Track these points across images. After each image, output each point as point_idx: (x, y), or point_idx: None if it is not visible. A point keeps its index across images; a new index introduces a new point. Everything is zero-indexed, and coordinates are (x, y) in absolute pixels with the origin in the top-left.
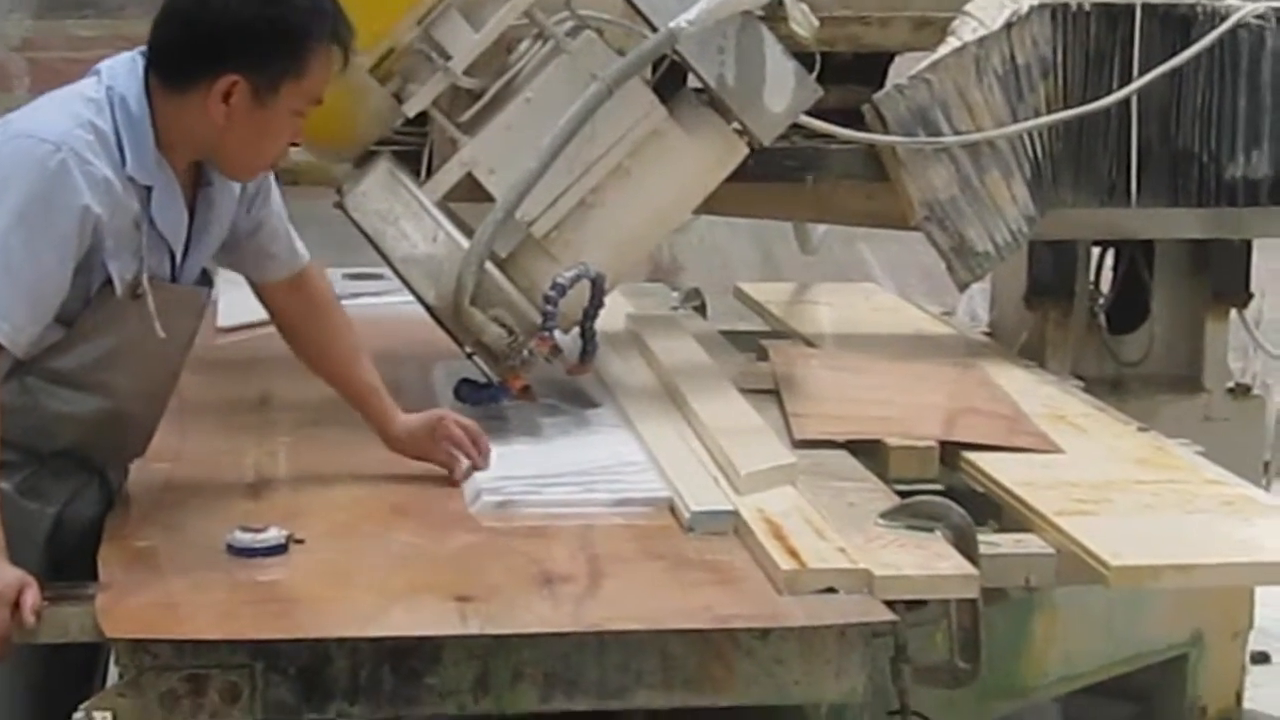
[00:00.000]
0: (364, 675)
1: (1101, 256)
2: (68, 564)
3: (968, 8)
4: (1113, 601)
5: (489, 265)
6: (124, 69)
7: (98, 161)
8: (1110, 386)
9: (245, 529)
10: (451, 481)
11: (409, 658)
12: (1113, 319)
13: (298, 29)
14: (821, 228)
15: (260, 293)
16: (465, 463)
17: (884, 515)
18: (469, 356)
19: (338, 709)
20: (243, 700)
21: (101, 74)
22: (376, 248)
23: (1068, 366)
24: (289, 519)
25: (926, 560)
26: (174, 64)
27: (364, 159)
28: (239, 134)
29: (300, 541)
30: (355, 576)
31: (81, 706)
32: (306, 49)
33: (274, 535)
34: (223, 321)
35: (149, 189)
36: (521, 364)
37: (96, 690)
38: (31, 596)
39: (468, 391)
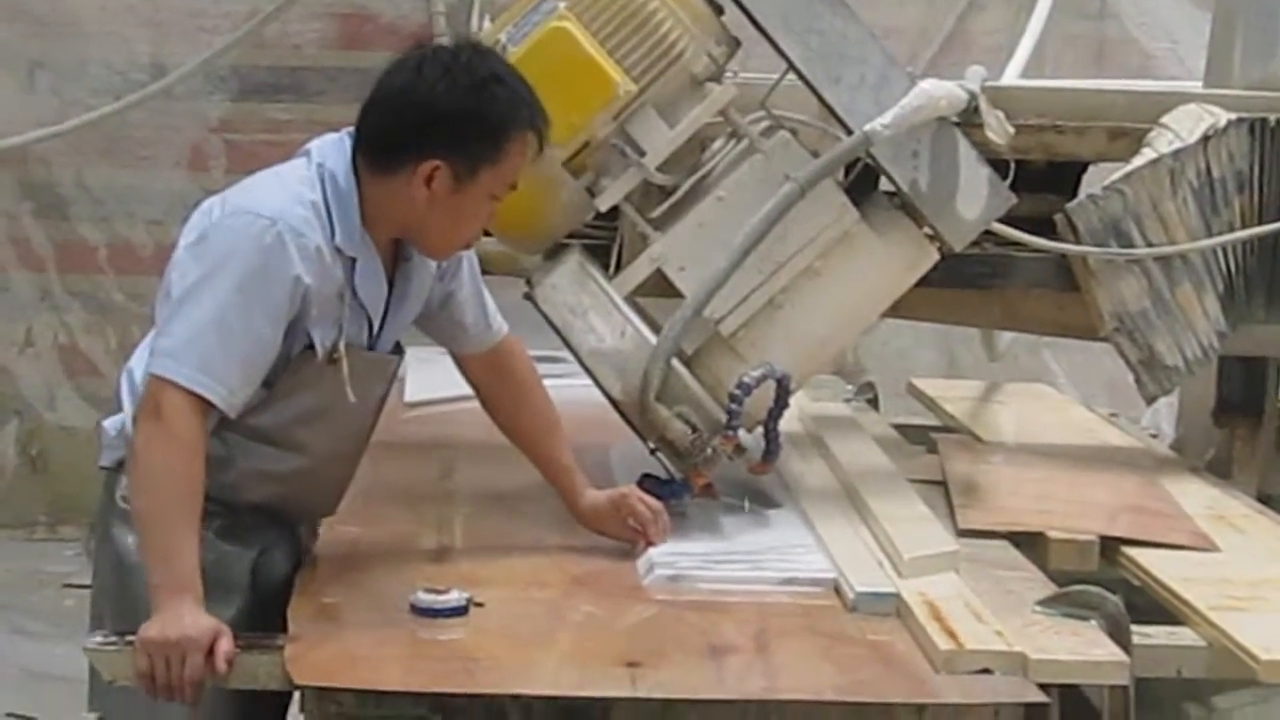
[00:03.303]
0: None
1: None
2: (261, 612)
3: (1164, 120)
4: None
5: (675, 362)
6: (333, 148)
7: (310, 234)
8: None
9: (428, 590)
10: (630, 556)
11: (579, 717)
12: None
13: (499, 118)
14: (1008, 335)
15: (459, 364)
16: (643, 543)
17: (1041, 602)
18: (652, 453)
19: None
20: None
21: (311, 153)
22: (564, 340)
23: (1255, 485)
24: (469, 584)
25: (1080, 646)
26: (380, 147)
27: (554, 251)
28: (438, 215)
29: (480, 605)
30: (531, 639)
31: None
32: (506, 137)
33: (455, 597)
34: (410, 397)
35: (353, 261)
36: (705, 462)
37: None
38: (225, 644)
39: (651, 486)
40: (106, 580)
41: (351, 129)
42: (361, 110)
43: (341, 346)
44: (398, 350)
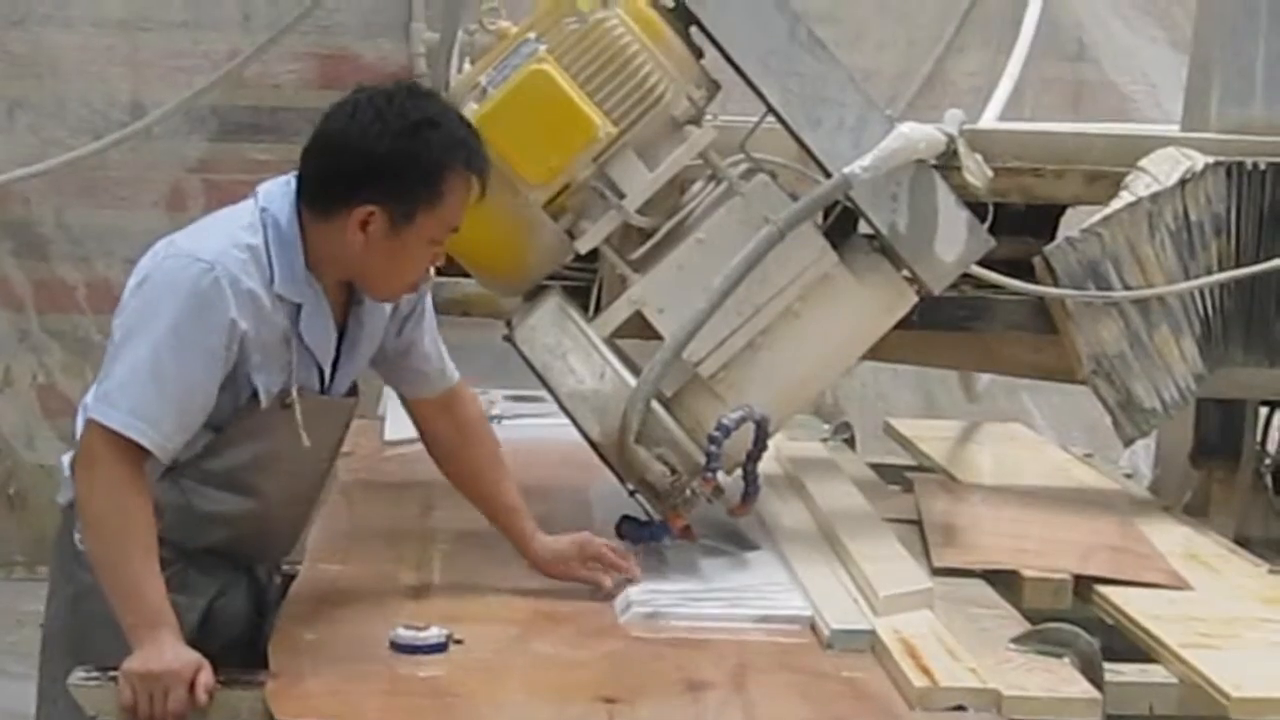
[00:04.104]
0: None
1: (1269, 417)
2: (217, 658)
3: (1142, 163)
4: None
5: (655, 404)
6: (278, 191)
7: (247, 279)
8: (1276, 549)
9: (408, 627)
10: (602, 596)
11: None
12: (1279, 481)
13: (433, 163)
14: (986, 377)
15: (410, 408)
16: (609, 580)
17: (1015, 640)
18: (631, 494)
19: None
20: None
21: (258, 195)
22: (544, 381)
23: (1233, 526)
24: (449, 621)
25: (1053, 683)
26: (318, 191)
27: (534, 293)
28: (377, 259)
29: (459, 641)
30: (510, 675)
31: None
32: (442, 181)
33: (435, 634)
34: (389, 436)
35: (299, 306)
36: (684, 503)
37: None
38: (205, 678)
39: (629, 529)
40: (61, 614)
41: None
42: (301, 155)
43: (294, 391)
44: (352, 392)
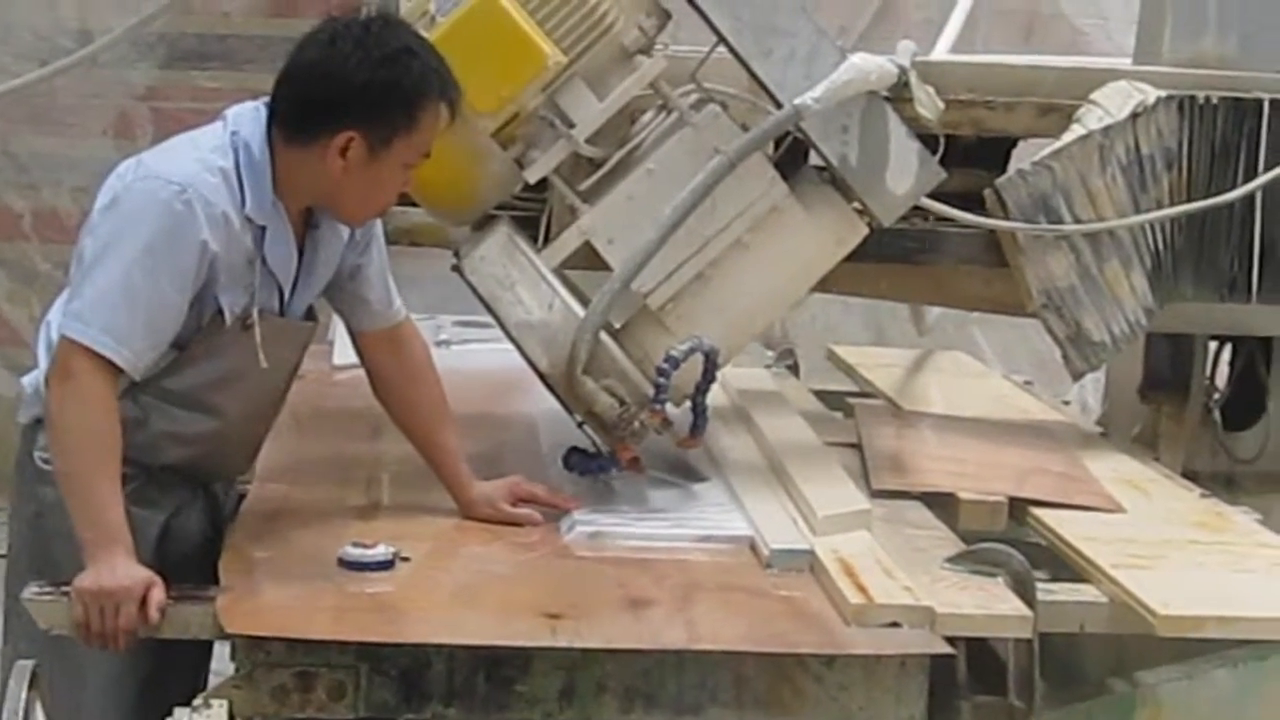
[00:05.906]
0: (459, 680)
1: (1218, 351)
2: (174, 572)
3: (1094, 96)
4: (1219, 699)
5: (603, 335)
6: (248, 116)
7: (218, 201)
8: (1224, 483)
9: (356, 545)
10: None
11: (502, 666)
12: (1228, 415)
13: (412, 89)
14: (936, 310)
15: (357, 343)
16: (539, 516)
17: (949, 559)
18: (579, 426)
19: (434, 711)
20: (347, 698)
21: (228, 120)
22: (492, 312)
23: (1180, 461)
24: (396, 539)
25: (986, 601)
26: (295, 119)
27: (483, 223)
28: (354, 185)
29: (406, 559)
30: (455, 592)
31: (200, 695)
32: (420, 107)
33: (382, 551)
34: (338, 360)
35: (263, 229)
36: (632, 435)
37: (201, 690)
38: (158, 594)
39: (577, 460)
40: (23, 533)
41: (268, 99)
42: (275, 83)
43: (254, 313)
44: (311, 317)
